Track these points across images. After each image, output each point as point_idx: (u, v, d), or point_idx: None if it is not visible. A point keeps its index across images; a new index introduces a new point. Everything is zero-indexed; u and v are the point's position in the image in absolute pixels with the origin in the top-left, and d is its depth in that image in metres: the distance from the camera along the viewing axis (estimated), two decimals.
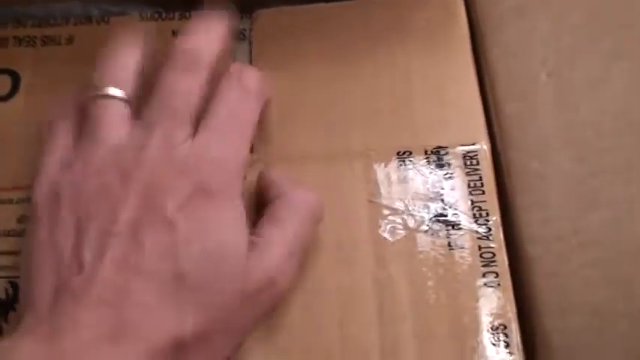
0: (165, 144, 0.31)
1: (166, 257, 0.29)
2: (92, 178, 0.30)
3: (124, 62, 0.33)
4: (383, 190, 0.34)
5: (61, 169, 0.32)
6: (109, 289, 0.28)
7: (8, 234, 0.35)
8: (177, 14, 0.40)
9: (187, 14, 0.40)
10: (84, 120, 0.33)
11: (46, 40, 0.40)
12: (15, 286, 0.34)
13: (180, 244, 0.29)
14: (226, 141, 0.31)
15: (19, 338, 0.27)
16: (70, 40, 0.40)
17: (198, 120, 0.32)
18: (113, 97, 0.32)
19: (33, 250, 0.30)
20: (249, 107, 0.33)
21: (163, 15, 0.40)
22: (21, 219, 0.35)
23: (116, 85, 0.32)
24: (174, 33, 0.39)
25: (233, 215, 0.30)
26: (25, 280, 0.30)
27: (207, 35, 0.33)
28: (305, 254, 0.32)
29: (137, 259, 0.28)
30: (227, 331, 0.29)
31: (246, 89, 0.33)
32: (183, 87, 0.32)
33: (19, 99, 0.38)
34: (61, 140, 0.33)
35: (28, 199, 0.35)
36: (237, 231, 0.30)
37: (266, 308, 0.31)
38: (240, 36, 0.39)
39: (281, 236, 0.31)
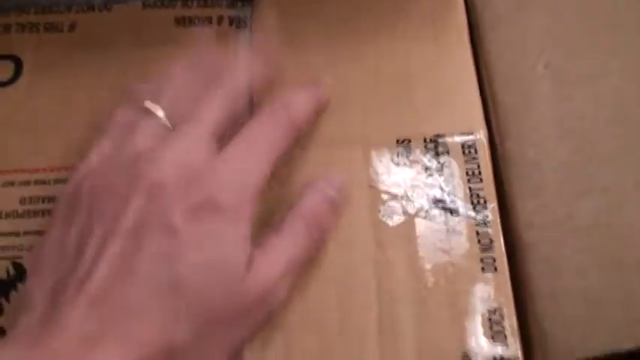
0: (183, 154, 0.30)
1: (163, 263, 0.28)
2: (106, 182, 0.31)
3: (178, 83, 0.34)
4: (383, 176, 0.35)
5: (87, 173, 0.32)
6: (102, 291, 0.28)
7: (10, 216, 0.35)
8: (179, 2, 0.40)
9: (190, 2, 0.40)
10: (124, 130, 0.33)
11: (49, 27, 0.40)
12: (17, 266, 0.34)
13: (179, 252, 0.29)
14: (246, 162, 0.31)
15: (10, 342, 0.28)
16: (72, 27, 0.40)
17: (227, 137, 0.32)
18: (154, 115, 0.32)
19: (42, 248, 0.31)
20: (278, 136, 0.33)
21: (166, 2, 0.40)
22: (23, 201, 0.36)
23: (160, 103, 0.33)
24: (177, 20, 0.40)
25: (237, 232, 0.30)
26: (29, 277, 0.31)
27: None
28: (308, 263, 0.32)
29: (134, 261, 0.28)
30: (221, 342, 0.29)
31: (282, 119, 0.33)
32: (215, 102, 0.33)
33: (21, 84, 0.39)
34: (105, 143, 0.33)
35: (29, 182, 0.36)
36: (238, 248, 0.30)
37: (262, 319, 0.31)
38: (241, 24, 0.40)
39: (280, 247, 0.31)
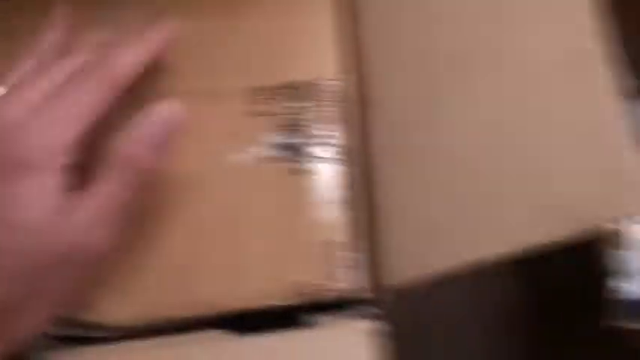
0: None
1: None
2: None
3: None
4: (240, 121, 0.36)
5: None
6: None
7: None
8: None
9: None
10: None
11: None
12: None
13: None
14: (56, 119, 0.31)
15: None
16: None
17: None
18: None
19: None
20: (92, 93, 0.32)
21: None
22: None
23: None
24: None
25: (45, 186, 0.30)
26: None
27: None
28: (133, 212, 0.33)
29: None
30: (41, 296, 0.30)
31: (99, 76, 0.33)
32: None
33: None
34: None
35: None
36: (45, 200, 0.30)
37: (82, 271, 0.31)
38: None
39: (92, 199, 0.31)
